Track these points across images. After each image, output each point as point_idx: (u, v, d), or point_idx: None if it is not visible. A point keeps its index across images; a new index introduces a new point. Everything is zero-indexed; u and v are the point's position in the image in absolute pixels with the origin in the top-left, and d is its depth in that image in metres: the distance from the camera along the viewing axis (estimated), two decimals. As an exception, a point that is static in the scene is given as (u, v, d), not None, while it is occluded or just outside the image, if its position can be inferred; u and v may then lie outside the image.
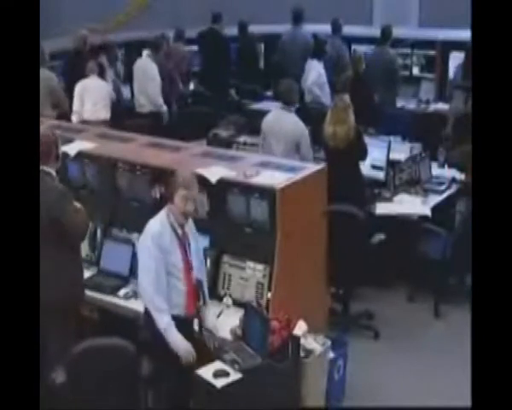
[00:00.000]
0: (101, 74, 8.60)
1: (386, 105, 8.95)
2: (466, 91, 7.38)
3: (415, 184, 6.95)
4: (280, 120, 6.71)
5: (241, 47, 10.60)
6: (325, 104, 8.52)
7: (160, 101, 8.85)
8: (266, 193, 4.75)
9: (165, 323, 4.27)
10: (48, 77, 7.94)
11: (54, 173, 4.60)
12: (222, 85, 10.17)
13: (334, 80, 9.20)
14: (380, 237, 6.10)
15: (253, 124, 7.08)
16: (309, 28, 10.27)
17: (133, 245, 5.25)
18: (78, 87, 8.27)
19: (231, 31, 10.56)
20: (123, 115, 8.63)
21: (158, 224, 4.34)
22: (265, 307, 4.71)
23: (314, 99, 9.04)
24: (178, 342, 4.29)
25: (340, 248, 5.38)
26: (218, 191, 4.95)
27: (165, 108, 8.91)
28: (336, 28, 10.02)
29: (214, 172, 4.97)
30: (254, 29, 10.65)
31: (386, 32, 9.39)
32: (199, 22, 10.29)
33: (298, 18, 10.21)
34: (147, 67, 8.84)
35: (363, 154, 6.54)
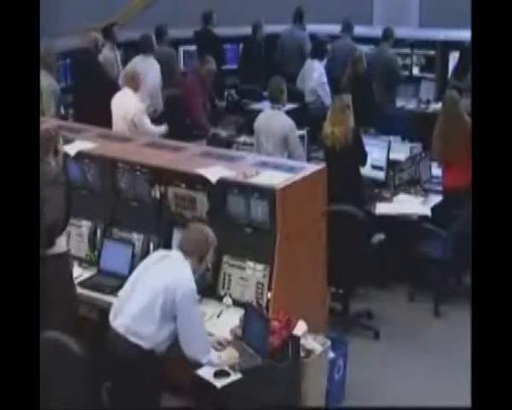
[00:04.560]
0: None
1: (386, 105, 8.94)
2: (459, 92, 7.39)
3: (415, 184, 6.95)
4: (269, 118, 6.82)
5: (246, 47, 10.57)
6: (326, 104, 8.52)
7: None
8: (266, 193, 4.75)
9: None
10: (48, 83, 7.46)
11: (53, 163, 4.68)
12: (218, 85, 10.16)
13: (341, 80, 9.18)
14: (380, 237, 6.09)
15: (252, 124, 7.10)
16: (309, 28, 10.30)
17: (133, 245, 5.25)
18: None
19: (230, 31, 10.54)
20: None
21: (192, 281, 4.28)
22: (265, 307, 4.71)
23: (317, 99, 9.07)
24: (224, 358, 4.31)
25: (340, 249, 5.38)
26: (218, 191, 4.95)
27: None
28: (346, 28, 9.96)
29: (214, 172, 4.98)
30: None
31: (387, 33, 9.39)
32: (199, 22, 10.29)
33: (297, 17, 10.22)
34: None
35: (362, 159, 6.52)
